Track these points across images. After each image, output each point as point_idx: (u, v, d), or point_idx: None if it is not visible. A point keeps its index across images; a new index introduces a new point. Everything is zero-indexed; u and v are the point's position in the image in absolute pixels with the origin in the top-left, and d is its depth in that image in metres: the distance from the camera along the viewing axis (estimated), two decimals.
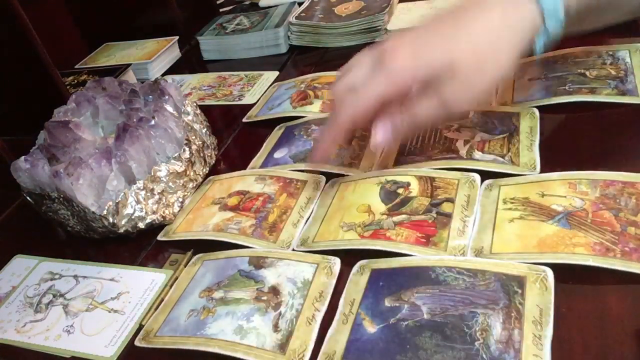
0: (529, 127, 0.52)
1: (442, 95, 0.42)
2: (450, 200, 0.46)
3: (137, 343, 0.42)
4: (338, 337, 0.38)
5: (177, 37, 0.93)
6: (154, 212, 0.53)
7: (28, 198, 0.55)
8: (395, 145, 0.45)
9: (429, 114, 0.43)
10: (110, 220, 0.50)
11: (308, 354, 0.37)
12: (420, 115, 0.43)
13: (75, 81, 0.82)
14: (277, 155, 0.60)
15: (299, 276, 0.43)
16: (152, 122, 0.54)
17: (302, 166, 0.56)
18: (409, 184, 0.49)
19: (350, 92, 0.44)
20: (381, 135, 0.44)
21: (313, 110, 0.66)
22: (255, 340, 0.39)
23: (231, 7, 1.05)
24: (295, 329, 0.39)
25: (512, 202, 0.44)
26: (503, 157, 0.49)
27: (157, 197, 0.53)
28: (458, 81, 0.41)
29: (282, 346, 0.38)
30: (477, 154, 0.50)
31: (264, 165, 0.59)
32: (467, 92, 0.42)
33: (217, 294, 0.43)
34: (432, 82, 0.42)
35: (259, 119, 0.69)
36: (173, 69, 0.91)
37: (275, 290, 0.42)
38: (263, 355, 0.38)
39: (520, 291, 0.37)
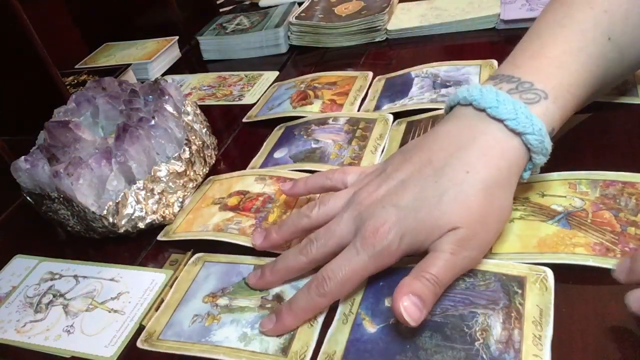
0: None
1: (454, 257, 0.37)
2: None
3: (139, 345, 0.42)
4: (338, 337, 0.38)
5: (177, 37, 0.93)
6: (154, 212, 0.53)
7: (28, 198, 0.55)
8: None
9: (449, 276, 0.38)
10: (110, 220, 0.50)
11: (309, 354, 0.37)
12: (442, 280, 0.37)
13: (75, 81, 0.82)
14: (277, 155, 0.60)
15: (302, 283, 0.43)
16: (152, 122, 0.54)
17: (303, 166, 0.56)
18: None
19: (325, 270, 0.39)
20: (412, 307, 0.35)
21: (313, 110, 0.66)
22: (259, 346, 0.39)
23: (231, 7, 1.05)
24: (297, 333, 0.39)
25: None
26: None
27: (157, 197, 0.53)
28: (463, 240, 0.37)
29: (284, 349, 0.38)
30: None
31: (264, 165, 0.59)
32: (477, 252, 0.39)
33: (222, 301, 0.43)
34: (439, 244, 0.38)
35: (259, 119, 0.69)
36: (173, 69, 0.91)
37: (279, 298, 0.42)
38: None
39: (520, 291, 0.37)
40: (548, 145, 0.39)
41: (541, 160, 0.40)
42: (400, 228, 0.38)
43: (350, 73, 0.73)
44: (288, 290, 0.43)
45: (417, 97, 0.62)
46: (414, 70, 0.67)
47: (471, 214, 0.37)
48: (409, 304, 0.35)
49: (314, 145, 0.59)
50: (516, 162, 0.39)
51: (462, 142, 0.39)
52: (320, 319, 0.40)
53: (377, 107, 0.63)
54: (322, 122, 0.62)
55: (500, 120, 0.38)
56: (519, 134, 0.38)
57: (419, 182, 0.39)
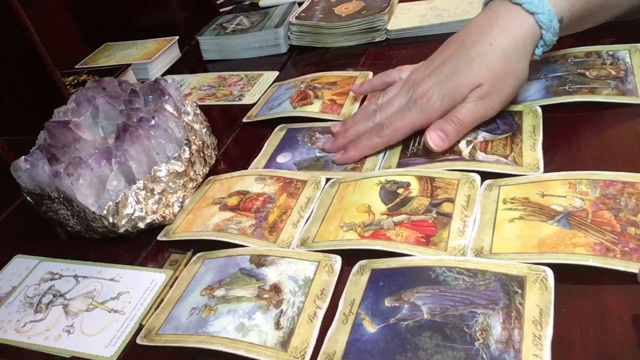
0: (532, 126, 0.52)
1: (476, 106, 0.51)
2: (450, 201, 0.46)
3: (138, 341, 0.42)
4: (338, 337, 0.38)
5: (177, 37, 0.93)
6: (154, 212, 0.53)
7: (28, 198, 0.55)
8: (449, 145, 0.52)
9: (470, 120, 0.51)
10: (110, 220, 0.50)
11: (310, 351, 0.37)
12: (465, 121, 0.51)
13: (75, 81, 0.82)
14: (280, 160, 0.60)
15: (300, 274, 0.43)
16: (152, 122, 0.54)
17: (307, 175, 0.55)
18: (409, 184, 0.49)
19: (393, 115, 0.54)
20: (436, 137, 0.51)
21: (313, 110, 0.66)
22: (257, 337, 0.39)
23: (231, 7, 1.05)
24: (296, 327, 0.39)
25: (512, 202, 0.44)
26: (506, 157, 0.49)
27: (157, 197, 0.53)
28: (486, 94, 0.50)
29: (284, 343, 0.38)
30: (480, 155, 0.50)
31: (267, 168, 0.59)
32: (495, 103, 0.51)
33: (219, 292, 0.43)
34: (466, 98, 0.51)
35: (259, 119, 0.69)
36: (173, 69, 0.91)
37: (276, 288, 0.42)
38: (265, 353, 0.38)
39: (520, 291, 0.37)
40: (556, 25, 0.50)
41: (550, 38, 0.50)
42: (441, 90, 0.51)
43: (350, 73, 0.73)
44: (285, 281, 0.43)
45: None
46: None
47: (493, 73, 0.50)
48: (435, 135, 0.50)
49: (318, 154, 0.59)
50: (530, 36, 0.50)
51: (488, 24, 0.52)
52: (320, 315, 0.40)
53: None
54: (326, 130, 0.62)
55: (519, 4, 0.50)
56: (532, 14, 0.49)
57: (455, 58, 0.52)
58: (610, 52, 0.59)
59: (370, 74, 0.71)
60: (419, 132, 0.56)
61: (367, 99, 0.65)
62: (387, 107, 0.56)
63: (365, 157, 0.55)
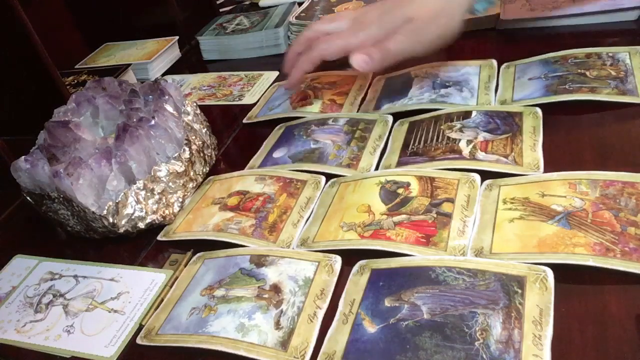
0: (532, 127, 0.52)
1: (405, 37, 0.55)
2: (450, 201, 0.46)
3: (138, 341, 0.42)
4: (338, 337, 0.38)
5: (177, 37, 0.93)
6: (154, 212, 0.53)
7: (28, 198, 0.55)
8: (369, 72, 0.59)
9: (397, 48, 0.55)
10: (110, 220, 0.50)
11: (310, 352, 0.37)
12: (391, 49, 0.55)
13: (75, 81, 0.82)
14: (276, 154, 0.60)
15: (300, 274, 0.43)
16: (152, 122, 0.54)
17: (301, 166, 0.56)
18: (409, 184, 0.49)
19: (330, 36, 0.60)
20: (360, 57, 0.55)
21: (313, 110, 0.66)
22: (257, 337, 0.39)
23: (231, 7, 1.05)
24: (296, 327, 0.39)
25: (512, 202, 0.44)
26: (506, 157, 0.49)
27: (157, 197, 0.53)
28: (417, 28, 0.55)
29: (284, 343, 0.38)
30: (480, 154, 0.50)
31: (263, 164, 0.59)
32: (422, 39, 0.56)
33: (219, 292, 0.43)
34: (397, 30, 0.55)
35: (259, 119, 0.69)
36: (173, 69, 0.91)
37: (276, 288, 0.42)
38: (265, 353, 0.38)
39: (520, 291, 0.37)
40: None
41: None
42: (379, 21, 0.56)
43: (350, 72, 0.73)
44: (285, 281, 0.43)
45: (417, 97, 0.62)
46: (413, 71, 0.67)
47: (427, 11, 0.54)
48: (360, 57, 0.55)
49: (313, 146, 0.59)
50: None
51: None
52: (320, 315, 0.40)
53: (377, 107, 0.63)
54: (321, 122, 0.62)
55: None
56: None
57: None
58: (611, 54, 0.59)
59: (370, 73, 0.71)
60: (419, 130, 0.56)
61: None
62: (326, 26, 0.62)
63: (359, 154, 0.55)
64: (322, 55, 0.59)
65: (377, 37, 0.56)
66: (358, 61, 0.54)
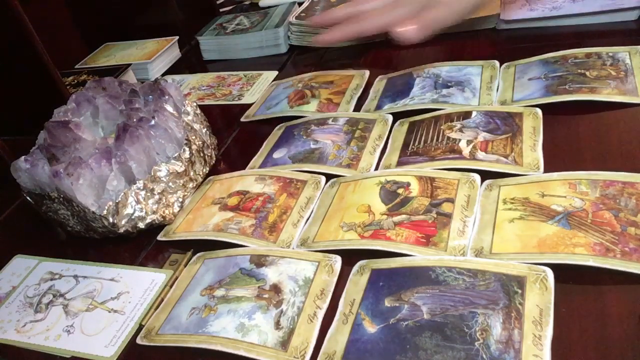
0: (532, 127, 0.52)
1: (440, 11, 0.61)
2: (450, 201, 0.46)
3: (138, 341, 0.42)
4: (338, 337, 0.38)
5: (177, 37, 0.93)
6: (154, 212, 0.53)
7: (28, 198, 0.55)
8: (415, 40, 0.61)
9: (434, 19, 0.60)
10: (110, 220, 0.50)
11: (310, 352, 0.37)
12: (429, 20, 0.60)
13: (75, 81, 0.82)
14: (276, 155, 0.60)
15: (300, 274, 0.43)
16: (152, 122, 0.54)
17: (301, 167, 0.56)
18: (409, 184, 0.49)
19: (370, 13, 0.65)
20: (402, 30, 0.60)
21: (310, 109, 0.66)
22: (257, 337, 0.39)
23: (231, 7, 1.05)
24: (296, 327, 0.39)
25: (512, 203, 0.44)
26: (506, 157, 0.49)
27: (157, 197, 0.53)
28: (443, 4, 0.61)
29: (284, 343, 0.38)
30: (480, 154, 0.50)
31: (263, 165, 0.59)
32: (459, 5, 0.61)
33: (219, 292, 0.43)
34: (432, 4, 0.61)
35: (256, 118, 0.69)
36: (173, 69, 0.91)
37: (276, 288, 0.42)
38: (265, 353, 0.38)
39: (520, 291, 0.37)
40: None
41: None
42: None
43: (347, 72, 0.73)
44: (285, 281, 0.43)
45: (419, 97, 0.62)
46: (415, 71, 0.67)
47: None
48: (401, 30, 0.60)
49: (312, 146, 0.59)
50: None
51: None
52: (320, 316, 0.40)
53: (379, 107, 0.63)
54: (321, 122, 0.62)
55: None
56: None
57: None
58: (611, 54, 0.59)
59: (367, 72, 0.71)
60: (419, 130, 0.56)
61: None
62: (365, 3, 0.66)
63: (359, 154, 0.55)
64: (361, 31, 0.64)
65: (413, 14, 0.61)
66: (402, 33, 0.60)
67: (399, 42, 0.61)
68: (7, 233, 0.61)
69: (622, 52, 0.58)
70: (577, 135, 0.51)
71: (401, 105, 0.62)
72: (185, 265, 0.48)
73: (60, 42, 0.90)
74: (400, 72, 0.69)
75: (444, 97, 0.61)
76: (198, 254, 0.49)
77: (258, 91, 0.76)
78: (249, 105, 0.73)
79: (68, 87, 0.78)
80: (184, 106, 0.60)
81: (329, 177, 0.54)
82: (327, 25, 0.68)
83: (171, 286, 0.47)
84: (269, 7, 0.97)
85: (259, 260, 0.45)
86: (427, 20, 0.60)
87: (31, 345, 0.44)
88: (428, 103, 0.60)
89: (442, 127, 0.55)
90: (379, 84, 0.69)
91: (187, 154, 0.56)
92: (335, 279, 0.43)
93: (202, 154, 0.59)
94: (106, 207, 0.50)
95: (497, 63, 0.64)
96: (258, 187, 0.55)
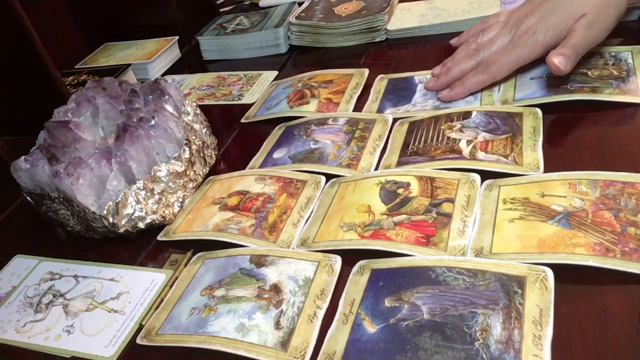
0: (532, 127, 0.52)
1: (584, 32, 0.54)
2: (450, 201, 0.46)
3: (138, 341, 0.42)
4: (338, 337, 0.38)
5: (177, 37, 0.93)
6: (154, 212, 0.53)
7: (28, 198, 0.55)
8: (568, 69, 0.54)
9: (581, 42, 0.54)
10: (110, 220, 0.50)
11: (310, 352, 0.37)
12: (576, 43, 0.54)
13: (75, 81, 0.82)
14: (276, 155, 0.60)
15: (300, 274, 0.43)
16: (152, 122, 0.54)
17: (301, 167, 0.56)
18: (409, 184, 0.49)
19: (499, 53, 0.59)
20: (558, 59, 0.53)
21: (310, 109, 0.66)
22: (257, 337, 0.39)
23: (231, 7, 1.05)
24: (296, 327, 0.39)
25: (512, 203, 0.44)
26: (506, 157, 0.49)
27: (157, 197, 0.53)
28: (594, 27, 0.54)
29: (284, 343, 0.38)
30: (481, 154, 0.50)
31: (263, 165, 0.59)
32: (602, 29, 0.54)
33: (219, 292, 0.43)
34: (573, 27, 0.54)
35: (257, 119, 0.69)
36: (173, 69, 0.91)
37: (276, 288, 0.42)
38: (265, 353, 0.38)
39: (520, 291, 0.37)
40: None
41: None
42: (545, 25, 0.55)
43: (346, 71, 0.73)
44: (285, 281, 0.43)
45: (421, 103, 0.62)
46: (417, 75, 0.67)
47: (594, 3, 0.53)
48: (557, 58, 0.53)
49: (312, 146, 0.59)
50: None
51: None
52: (320, 316, 0.40)
53: (380, 110, 0.63)
54: (321, 122, 0.62)
55: None
56: None
57: None
58: (613, 53, 0.59)
59: (367, 71, 0.71)
60: (419, 130, 0.56)
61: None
62: (490, 45, 0.59)
63: (359, 154, 0.55)
64: (495, 78, 0.59)
65: (547, 44, 0.55)
66: (559, 61, 0.52)
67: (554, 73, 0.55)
68: (7, 233, 0.61)
69: (625, 52, 0.58)
70: (577, 135, 0.51)
71: (403, 111, 0.62)
72: (185, 265, 0.48)
73: (60, 42, 0.90)
74: (402, 75, 0.69)
75: (445, 104, 0.61)
76: (198, 254, 0.49)
77: (258, 91, 0.76)
78: (249, 105, 0.73)
79: (68, 87, 0.78)
80: (184, 106, 0.60)
81: (329, 177, 0.54)
82: (455, 78, 0.61)
83: (171, 286, 0.47)
84: (269, 7, 0.97)
85: (259, 260, 0.45)
86: (574, 45, 0.53)
87: (31, 345, 0.44)
88: (430, 110, 0.60)
89: (442, 127, 0.55)
90: (380, 84, 0.68)
91: (187, 154, 0.56)
92: (335, 279, 0.43)
93: (202, 154, 0.59)
94: (106, 207, 0.50)
95: None
96: (258, 187, 0.55)
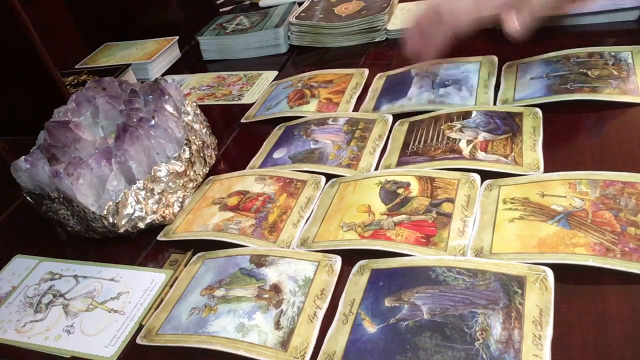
0: (532, 127, 0.52)
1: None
2: (450, 201, 0.46)
3: (138, 341, 0.42)
4: (338, 337, 0.38)
5: (177, 37, 0.93)
6: (154, 212, 0.53)
7: (28, 198, 0.55)
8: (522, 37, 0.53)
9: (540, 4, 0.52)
10: (110, 220, 0.50)
11: (310, 352, 0.37)
12: (535, 5, 0.51)
13: (75, 81, 0.82)
14: (276, 155, 0.60)
15: (300, 274, 0.43)
16: (152, 122, 0.54)
17: (301, 167, 0.56)
18: (409, 184, 0.49)
19: (458, 10, 0.55)
20: (514, 22, 0.52)
21: (309, 109, 0.66)
22: (257, 337, 0.39)
23: (231, 7, 1.05)
24: (296, 327, 0.39)
25: (512, 202, 0.44)
26: (506, 157, 0.49)
27: (157, 197, 0.53)
28: None
29: (284, 343, 0.38)
30: (481, 154, 0.50)
31: (263, 165, 0.59)
32: None
33: (219, 292, 0.43)
34: None
35: (257, 119, 0.69)
36: (173, 69, 0.91)
37: (276, 288, 0.42)
38: (265, 353, 0.38)
39: (520, 291, 0.37)
40: None
41: None
42: None
43: (346, 70, 0.73)
44: (285, 281, 0.43)
45: (416, 97, 0.62)
46: (414, 68, 0.67)
47: None
48: (512, 20, 0.51)
49: (312, 146, 0.59)
50: None
51: None
52: (320, 316, 0.40)
53: (376, 108, 0.63)
54: (321, 122, 0.62)
55: None
56: None
57: None
58: (613, 53, 0.59)
59: (366, 71, 0.71)
60: (419, 130, 0.56)
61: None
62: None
63: (359, 154, 0.55)
64: (454, 30, 0.56)
65: (509, 3, 0.53)
66: (511, 25, 0.51)
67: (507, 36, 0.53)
68: (7, 233, 0.61)
69: (625, 52, 0.58)
70: (577, 135, 0.51)
71: (398, 106, 0.62)
72: (185, 265, 0.48)
73: (60, 42, 0.90)
74: (399, 70, 0.69)
75: (441, 97, 0.60)
76: (198, 254, 0.49)
77: (258, 91, 0.76)
78: (249, 105, 0.73)
79: (68, 87, 0.78)
80: (184, 106, 0.60)
81: (329, 177, 0.54)
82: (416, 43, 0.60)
83: (171, 286, 0.47)
84: (269, 7, 0.97)
85: (259, 260, 0.45)
86: (532, 5, 0.52)
87: (31, 346, 0.44)
88: (425, 104, 0.60)
89: (442, 127, 0.55)
90: (378, 82, 0.68)
91: (187, 154, 0.56)
92: (335, 279, 0.43)
93: (202, 154, 0.59)
94: (106, 207, 0.50)
95: (495, 58, 0.64)
96: (258, 187, 0.55)
